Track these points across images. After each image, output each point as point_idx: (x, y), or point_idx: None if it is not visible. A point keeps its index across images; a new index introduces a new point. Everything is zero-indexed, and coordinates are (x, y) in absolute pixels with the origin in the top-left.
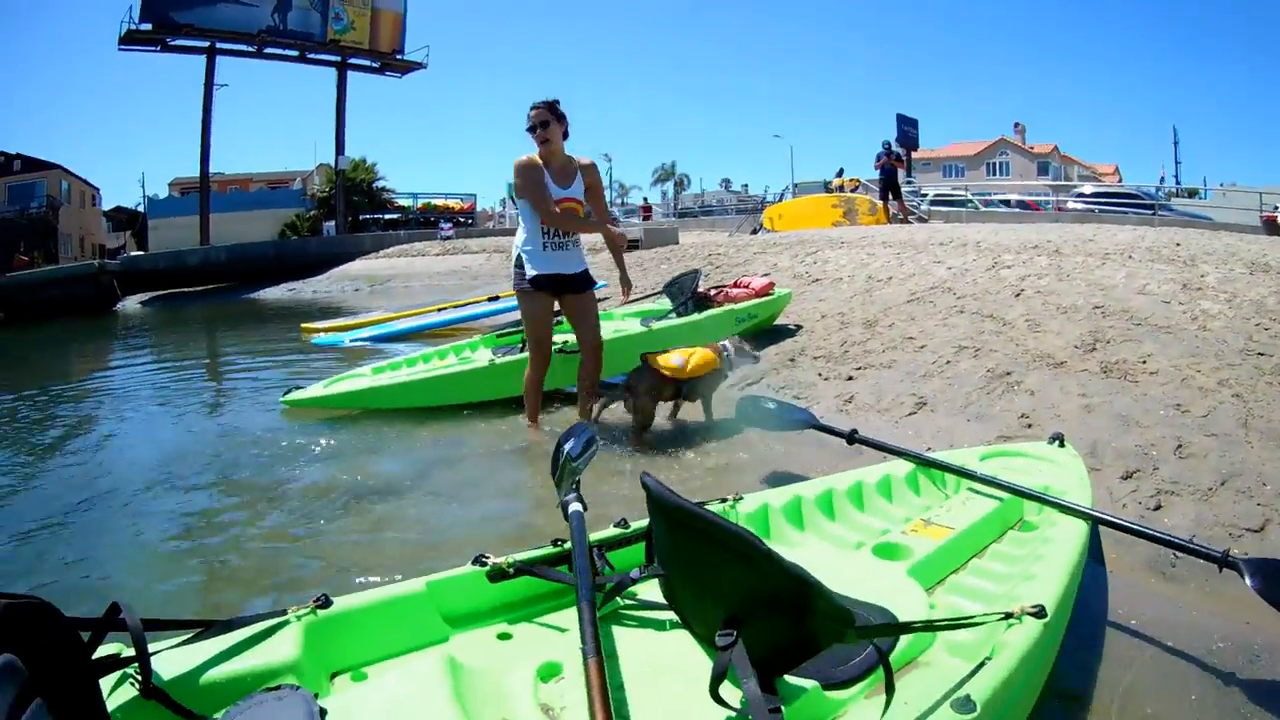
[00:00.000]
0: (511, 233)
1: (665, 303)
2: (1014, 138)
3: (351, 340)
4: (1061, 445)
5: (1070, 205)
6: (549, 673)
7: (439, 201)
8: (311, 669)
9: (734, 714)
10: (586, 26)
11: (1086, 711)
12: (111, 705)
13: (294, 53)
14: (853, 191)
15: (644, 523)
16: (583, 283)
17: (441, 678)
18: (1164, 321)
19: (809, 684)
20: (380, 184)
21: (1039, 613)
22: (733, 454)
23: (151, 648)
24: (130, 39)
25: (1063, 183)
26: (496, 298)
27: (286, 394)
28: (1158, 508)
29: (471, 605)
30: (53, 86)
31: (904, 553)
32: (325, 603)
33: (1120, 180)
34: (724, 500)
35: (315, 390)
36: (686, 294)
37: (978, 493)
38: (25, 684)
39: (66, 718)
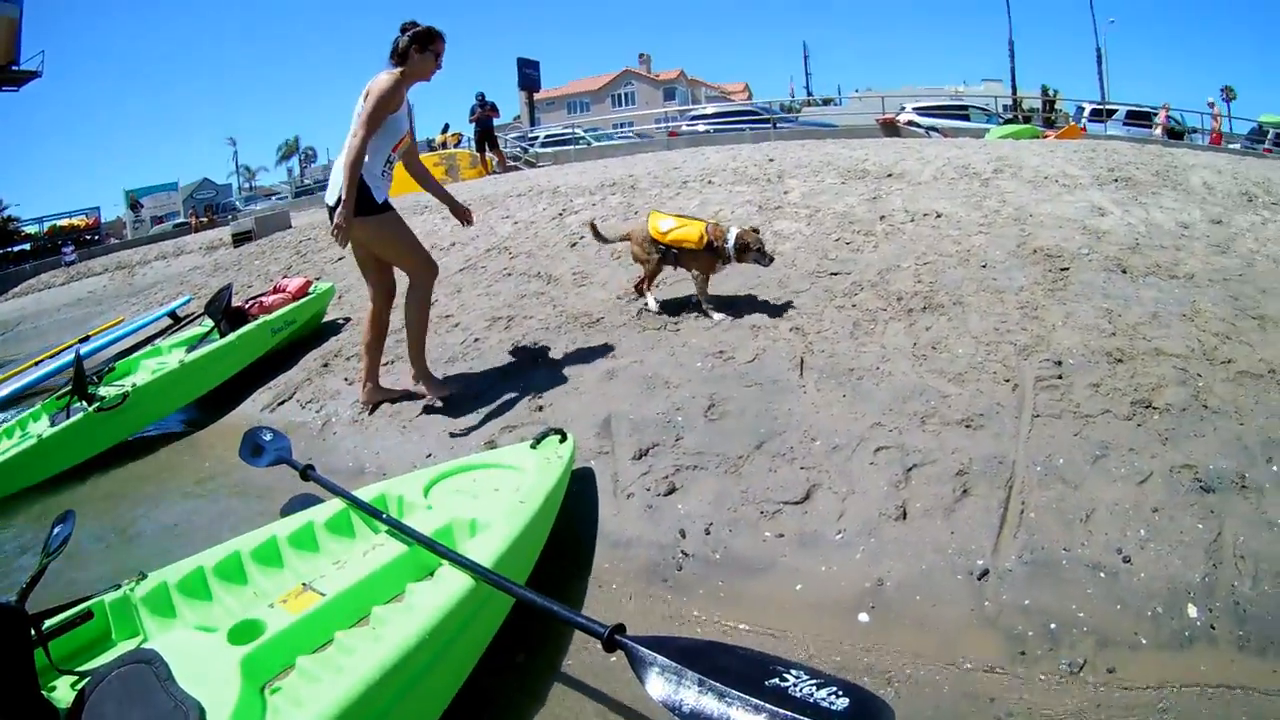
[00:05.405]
0: (135, 244)
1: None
2: (638, 67)
3: None
4: (563, 439)
5: (685, 129)
6: None
7: (63, 221)
8: None
9: None
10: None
11: None
12: None
13: None
14: (455, 147)
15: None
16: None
17: None
18: None
19: None
20: (6, 213)
21: None
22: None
23: None
24: None
25: (688, 107)
26: (88, 337)
27: None
28: (670, 491)
29: None
30: None
31: (256, 632)
32: None
33: (750, 98)
34: (118, 586)
35: None
36: (219, 312)
37: (395, 536)
38: None
39: None
